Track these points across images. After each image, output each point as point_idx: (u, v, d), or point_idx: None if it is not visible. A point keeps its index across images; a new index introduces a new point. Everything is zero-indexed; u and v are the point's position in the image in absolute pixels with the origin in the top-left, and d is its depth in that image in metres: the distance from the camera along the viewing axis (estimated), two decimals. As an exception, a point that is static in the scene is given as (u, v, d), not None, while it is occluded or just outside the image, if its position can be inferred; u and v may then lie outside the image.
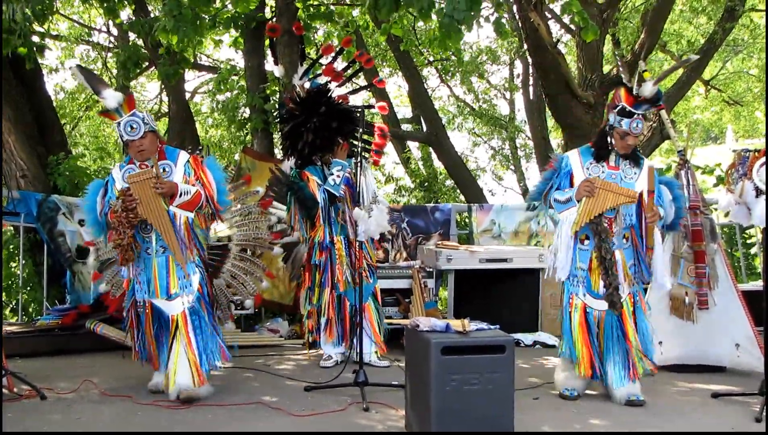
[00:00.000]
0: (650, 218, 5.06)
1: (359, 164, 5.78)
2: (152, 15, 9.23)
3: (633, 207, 5.13)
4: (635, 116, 5.07)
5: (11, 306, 8.51)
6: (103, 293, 6.33)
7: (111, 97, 5.12)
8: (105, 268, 6.28)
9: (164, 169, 5.15)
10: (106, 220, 5.14)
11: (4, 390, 5.17)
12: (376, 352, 6.20)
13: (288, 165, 7.29)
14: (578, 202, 5.05)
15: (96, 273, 6.45)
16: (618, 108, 5.14)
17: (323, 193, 6.10)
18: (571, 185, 5.19)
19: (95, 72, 5.66)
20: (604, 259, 5.05)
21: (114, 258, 5.89)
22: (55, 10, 8.06)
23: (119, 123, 5.07)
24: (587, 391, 5.28)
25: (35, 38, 7.80)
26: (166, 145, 5.40)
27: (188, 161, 5.25)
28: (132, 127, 5.06)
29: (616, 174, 5.14)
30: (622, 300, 5.07)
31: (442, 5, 5.94)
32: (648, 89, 5.12)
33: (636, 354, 5.09)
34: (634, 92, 5.13)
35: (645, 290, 6.13)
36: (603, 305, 5.12)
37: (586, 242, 5.15)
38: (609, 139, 5.16)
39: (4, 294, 8.47)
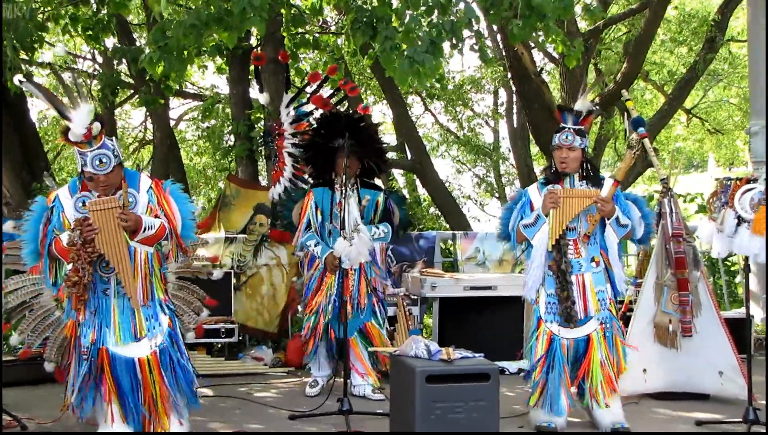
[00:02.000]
0: (600, 206, 5.02)
1: (344, 192, 5.79)
2: (137, 42, 9.27)
3: (599, 227, 5.11)
4: (564, 129, 5.13)
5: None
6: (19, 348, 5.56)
7: (80, 122, 4.29)
8: (15, 315, 5.43)
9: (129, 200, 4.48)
10: (48, 251, 4.39)
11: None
12: (371, 385, 6.05)
13: (274, 192, 7.30)
14: (546, 216, 5.07)
15: (4, 324, 5.46)
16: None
17: (300, 244, 6.13)
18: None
19: (67, 87, 4.90)
20: (563, 273, 5.03)
21: (27, 302, 5.31)
22: (42, 41, 8.06)
23: (86, 153, 4.32)
24: (572, 419, 5.25)
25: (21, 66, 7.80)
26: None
27: (151, 187, 4.54)
28: (101, 162, 4.32)
29: None
30: (577, 315, 5.03)
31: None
32: (579, 103, 5.21)
33: (613, 375, 5.08)
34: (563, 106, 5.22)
35: (627, 318, 6.17)
36: (573, 334, 5.07)
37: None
38: (551, 161, 5.22)
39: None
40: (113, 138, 4.51)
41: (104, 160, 4.32)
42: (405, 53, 5.96)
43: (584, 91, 5.30)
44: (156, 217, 4.47)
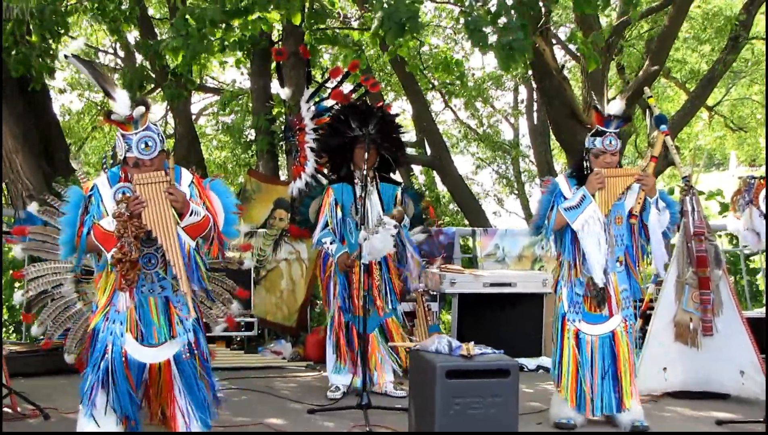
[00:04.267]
0: (644, 181, 5.04)
1: (365, 186, 5.79)
2: (159, 38, 9.32)
3: (625, 228, 5.14)
4: (607, 134, 5.10)
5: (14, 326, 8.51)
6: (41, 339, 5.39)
7: (124, 103, 4.11)
8: (35, 304, 5.29)
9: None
10: (86, 241, 4.09)
11: (8, 410, 5.18)
12: (392, 382, 6.02)
13: (294, 187, 7.32)
14: (593, 196, 5.05)
15: (24, 314, 5.38)
16: (592, 130, 5.20)
17: (317, 240, 6.03)
18: None
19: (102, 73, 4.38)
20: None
21: (48, 292, 5.15)
22: (67, 29, 8.12)
23: (131, 136, 4.08)
24: (592, 417, 5.24)
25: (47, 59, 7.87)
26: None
27: (192, 181, 4.30)
28: (147, 145, 4.08)
29: None
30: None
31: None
32: (615, 106, 5.16)
33: (633, 376, 5.08)
34: (604, 111, 5.17)
35: (648, 316, 6.15)
36: (597, 330, 5.10)
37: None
38: (586, 163, 5.18)
39: (8, 314, 8.47)
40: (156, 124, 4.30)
41: (150, 143, 4.08)
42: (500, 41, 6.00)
43: (625, 94, 5.26)
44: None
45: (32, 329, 5.40)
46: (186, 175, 4.30)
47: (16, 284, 5.28)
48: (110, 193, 4.14)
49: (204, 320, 4.94)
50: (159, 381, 4.20)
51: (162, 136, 4.20)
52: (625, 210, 5.13)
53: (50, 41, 7.74)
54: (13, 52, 7.04)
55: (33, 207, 5.13)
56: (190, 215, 4.07)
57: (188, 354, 4.22)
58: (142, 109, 4.08)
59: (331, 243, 5.93)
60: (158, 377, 4.19)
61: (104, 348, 4.13)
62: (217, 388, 4.40)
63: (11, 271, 6.30)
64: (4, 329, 8.40)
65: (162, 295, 4.21)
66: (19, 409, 5.20)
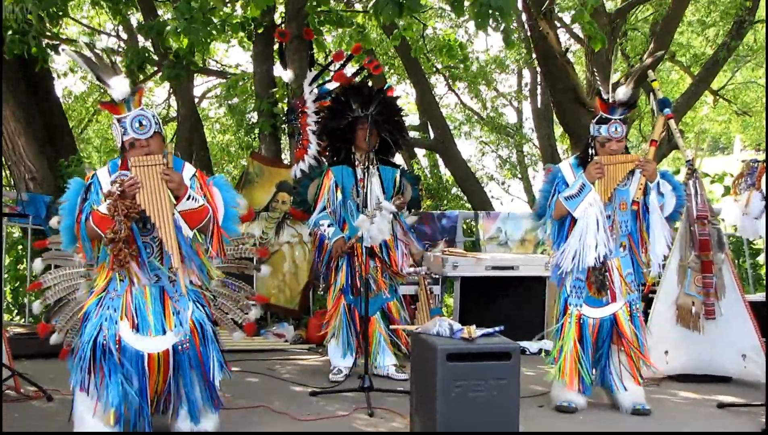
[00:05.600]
0: (644, 166, 5.03)
1: (366, 168, 5.76)
2: (161, 19, 9.28)
3: (629, 214, 5.14)
4: (612, 121, 5.07)
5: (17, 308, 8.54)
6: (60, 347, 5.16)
7: (119, 88, 4.20)
8: (54, 314, 5.13)
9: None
10: (86, 227, 4.10)
11: (11, 391, 5.20)
12: (394, 365, 6.03)
13: (297, 170, 7.30)
14: (593, 184, 5.04)
15: (43, 324, 5.15)
16: (596, 117, 5.17)
17: (314, 222, 5.98)
18: None
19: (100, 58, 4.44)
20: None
21: (65, 299, 5.04)
22: (66, 12, 8.08)
23: (124, 118, 4.16)
24: (594, 401, 5.25)
25: (45, 40, 7.84)
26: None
27: (195, 175, 4.33)
28: (141, 124, 4.15)
29: None
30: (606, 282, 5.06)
31: None
32: (621, 92, 5.12)
33: (637, 358, 5.09)
34: (609, 98, 5.14)
35: (650, 300, 6.15)
36: (599, 313, 5.11)
37: None
38: (591, 151, 5.15)
39: (11, 296, 8.50)
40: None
41: (144, 122, 4.16)
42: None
43: (631, 80, 5.23)
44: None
45: (52, 338, 5.24)
46: (188, 168, 4.34)
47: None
48: (109, 180, 4.18)
49: (220, 324, 5.14)
50: (159, 372, 4.20)
51: (157, 119, 4.26)
52: (629, 196, 5.12)
53: (48, 24, 7.70)
54: (10, 33, 6.99)
55: (53, 221, 5.00)
56: (187, 199, 4.12)
57: (187, 345, 4.22)
58: (126, 88, 4.18)
59: (328, 226, 5.90)
60: (158, 368, 4.19)
61: (95, 332, 4.14)
62: (218, 388, 4.40)
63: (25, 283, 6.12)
64: (8, 311, 8.44)
65: (158, 285, 4.24)
66: (22, 390, 5.22)
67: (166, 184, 4.07)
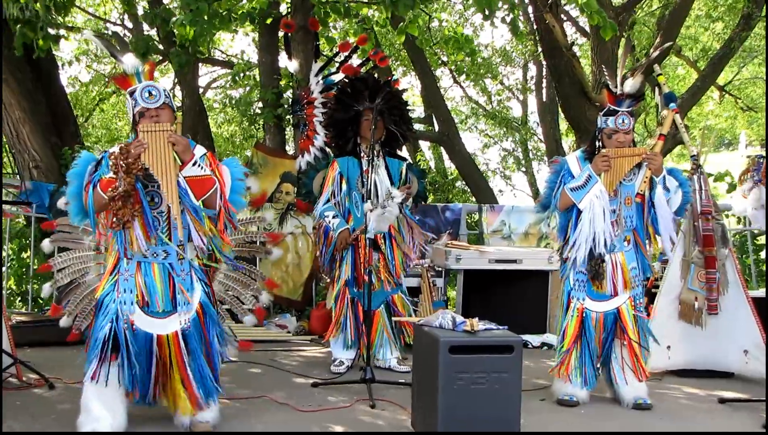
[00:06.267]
0: (650, 159, 5.00)
1: (372, 159, 5.75)
2: (167, 7, 9.26)
3: (634, 209, 5.13)
4: (619, 113, 5.05)
5: (21, 296, 8.56)
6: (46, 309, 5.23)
7: (130, 61, 4.32)
8: (65, 296, 5.23)
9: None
10: (93, 195, 4.12)
11: (13, 379, 5.21)
12: (396, 357, 6.03)
13: (302, 161, 7.29)
14: (599, 176, 5.03)
15: (54, 306, 5.36)
16: (604, 109, 5.15)
17: (319, 213, 5.98)
18: None
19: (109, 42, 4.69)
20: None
21: (76, 281, 5.14)
22: (73, 1, 8.06)
23: (135, 90, 4.25)
24: (595, 394, 5.25)
25: (51, 30, 7.83)
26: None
27: (205, 154, 4.37)
28: (150, 94, 4.23)
29: None
30: (605, 273, 5.04)
31: None
32: (629, 84, 5.11)
33: (641, 353, 5.09)
34: (616, 90, 5.12)
35: (653, 295, 6.15)
36: (603, 307, 5.10)
37: None
38: (598, 143, 5.14)
39: (15, 284, 8.52)
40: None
41: (153, 92, 4.25)
42: None
43: (638, 71, 5.21)
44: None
45: (62, 320, 5.38)
46: (200, 148, 4.38)
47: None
48: None
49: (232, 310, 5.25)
50: (169, 353, 4.22)
51: (168, 93, 4.33)
52: (635, 191, 5.10)
53: (54, 14, 7.69)
54: (18, 26, 6.98)
55: (61, 202, 5.05)
56: (193, 165, 4.20)
57: (189, 325, 4.25)
58: (136, 61, 4.33)
59: (333, 217, 5.90)
60: (168, 350, 4.22)
61: (111, 318, 4.16)
62: (219, 373, 4.41)
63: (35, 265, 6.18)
64: (12, 299, 8.46)
65: (165, 261, 4.26)
66: (24, 378, 5.23)
67: (172, 146, 4.15)
